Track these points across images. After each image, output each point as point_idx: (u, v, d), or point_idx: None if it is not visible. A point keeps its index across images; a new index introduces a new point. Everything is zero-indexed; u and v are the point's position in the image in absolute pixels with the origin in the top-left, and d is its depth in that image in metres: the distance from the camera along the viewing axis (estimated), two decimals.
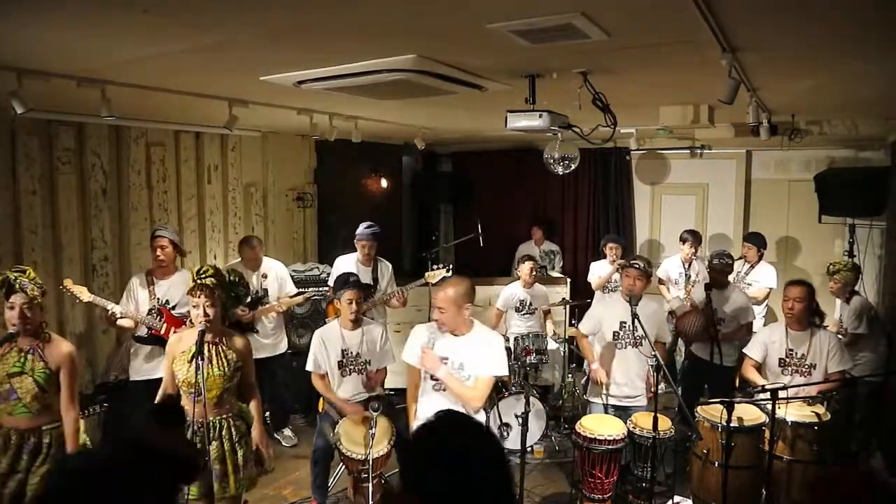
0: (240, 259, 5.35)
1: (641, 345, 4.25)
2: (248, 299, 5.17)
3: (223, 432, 3.28)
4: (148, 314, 4.44)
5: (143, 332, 4.47)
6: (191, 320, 4.45)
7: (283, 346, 5.48)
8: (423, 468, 1.43)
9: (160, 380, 4.44)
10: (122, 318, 4.34)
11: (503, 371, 3.31)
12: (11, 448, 3.09)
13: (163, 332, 4.42)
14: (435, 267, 5.62)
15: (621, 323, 4.31)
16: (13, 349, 3.13)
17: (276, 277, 5.37)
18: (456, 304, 3.17)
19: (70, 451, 3.16)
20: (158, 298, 4.48)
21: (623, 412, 4.30)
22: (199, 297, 3.18)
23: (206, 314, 3.17)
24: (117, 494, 1.29)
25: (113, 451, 1.38)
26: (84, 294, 4.25)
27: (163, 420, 1.58)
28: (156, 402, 3.29)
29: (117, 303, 4.44)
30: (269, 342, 5.31)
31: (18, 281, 3.11)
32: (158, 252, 4.46)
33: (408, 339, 3.44)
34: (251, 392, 3.46)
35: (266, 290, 5.30)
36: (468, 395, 3.19)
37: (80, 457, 1.39)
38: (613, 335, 4.34)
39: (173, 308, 4.50)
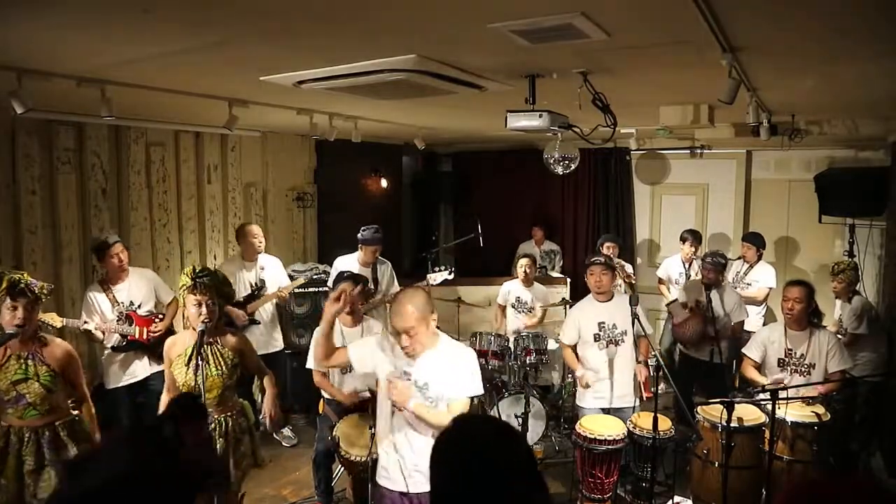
0: (238, 252, 5.35)
1: (623, 342, 4.26)
2: (249, 293, 5.20)
3: (227, 429, 3.33)
4: (117, 322, 4.35)
5: (115, 340, 4.38)
6: (160, 315, 4.49)
7: (276, 345, 5.44)
8: (450, 474, 1.38)
9: (138, 383, 4.46)
10: (95, 330, 4.21)
11: (479, 390, 2.89)
12: (31, 445, 3.16)
13: (137, 335, 4.38)
14: (436, 269, 5.60)
15: (599, 324, 4.32)
16: (10, 357, 3.14)
17: (273, 270, 5.40)
18: (424, 319, 2.74)
19: (93, 436, 3.35)
20: (122, 303, 4.38)
21: (615, 413, 4.27)
22: (199, 296, 3.21)
23: (209, 312, 3.21)
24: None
25: (134, 458, 1.27)
26: (56, 320, 4.06)
27: (186, 419, 1.49)
28: (170, 400, 3.29)
29: (78, 316, 4.30)
30: (263, 339, 5.28)
31: (24, 281, 3.13)
32: (119, 259, 4.33)
33: (363, 339, 3.11)
34: (262, 373, 3.63)
35: (263, 281, 5.30)
36: (444, 424, 2.39)
37: (97, 463, 1.27)
38: (594, 337, 4.33)
39: (138, 308, 4.45)
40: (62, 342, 3.34)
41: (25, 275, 3.18)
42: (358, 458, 3.70)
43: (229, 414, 3.35)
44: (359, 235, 5.35)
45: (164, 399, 3.43)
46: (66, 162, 4.74)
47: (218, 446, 3.26)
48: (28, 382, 3.13)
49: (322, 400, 4.20)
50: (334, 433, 3.87)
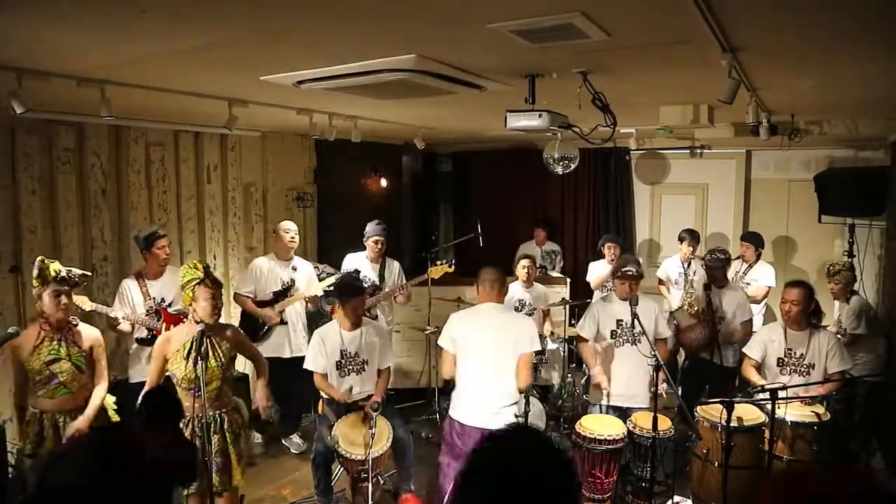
0: (273, 250, 5.34)
1: (640, 342, 4.25)
2: (279, 289, 5.18)
3: (224, 426, 3.41)
4: (146, 315, 4.42)
5: (143, 333, 4.44)
6: (187, 316, 4.49)
7: (303, 350, 5.35)
8: (493, 482, 1.35)
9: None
10: (122, 322, 4.30)
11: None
12: (61, 430, 3.38)
13: (163, 331, 4.39)
14: (438, 263, 5.69)
15: (618, 321, 4.32)
16: (44, 339, 3.40)
17: (305, 274, 5.37)
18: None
19: (89, 416, 3.52)
20: (154, 298, 4.45)
21: (623, 413, 4.28)
22: (210, 291, 3.32)
23: (219, 307, 3.36)
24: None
25: (100, 463, 1.25)
26: (85, 304, 4.18)
27: (157, 416, 1.46)
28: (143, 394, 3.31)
29: (109, 305, 4.39)
30: (286, 342, 5.24)
31: (65, 270, 3.38)
32: (166, 252, 4.49)
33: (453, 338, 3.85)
34: (257, 361, 3.78)
35: (294, 281, 5.27)
36: None
37: (60, 469, 1.26)
38: (611, 334, 4.34)
39: (169, 306, 4.49)
40: (93, 328, 3.63)
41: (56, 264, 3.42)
42: (358, 457, 3.71)
43: (225, 410, 3.44)
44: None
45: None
46: (66, 162, 4.74)
47: (215, 441, 3.34)
48: (60, 363, 3.37)
49: (321, 400, 4.20)
50: (333, 433, 3.87)
